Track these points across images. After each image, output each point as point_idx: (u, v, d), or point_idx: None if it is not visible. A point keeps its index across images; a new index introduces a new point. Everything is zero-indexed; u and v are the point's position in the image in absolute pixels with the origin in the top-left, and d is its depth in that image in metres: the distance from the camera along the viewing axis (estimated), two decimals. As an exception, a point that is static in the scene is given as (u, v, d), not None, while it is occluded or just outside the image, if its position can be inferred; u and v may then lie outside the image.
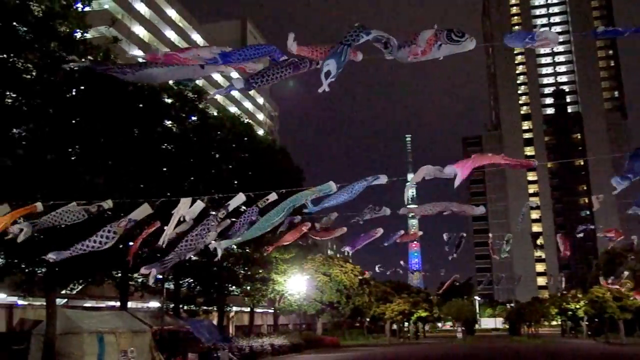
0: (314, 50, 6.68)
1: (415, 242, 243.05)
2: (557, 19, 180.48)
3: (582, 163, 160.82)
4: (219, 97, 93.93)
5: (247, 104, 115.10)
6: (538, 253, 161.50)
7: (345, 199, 9.59)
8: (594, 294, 64.17)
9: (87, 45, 22.95)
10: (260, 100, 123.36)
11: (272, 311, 59.30)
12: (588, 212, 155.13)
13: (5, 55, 20.11)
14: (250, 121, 40.43)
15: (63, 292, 28.76)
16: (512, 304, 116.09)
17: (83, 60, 6.24)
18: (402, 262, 45.91)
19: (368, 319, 75.32)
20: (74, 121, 22.14)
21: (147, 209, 10.47)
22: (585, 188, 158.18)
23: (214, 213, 10.48)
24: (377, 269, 39.15)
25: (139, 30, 76.99)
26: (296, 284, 46.90)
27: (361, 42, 6.45)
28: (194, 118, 32.05)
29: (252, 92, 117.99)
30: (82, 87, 22.49)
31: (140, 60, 6.61)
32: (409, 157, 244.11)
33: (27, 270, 23.44)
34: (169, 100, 29.82)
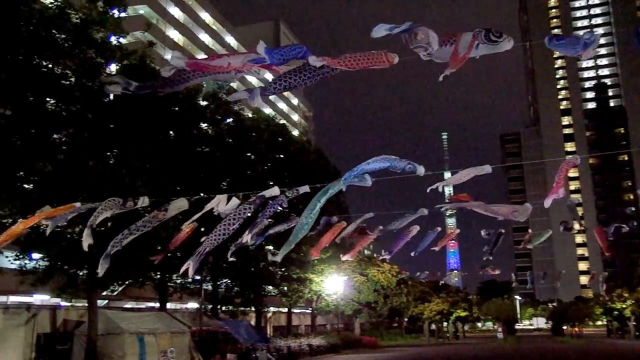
0: (340, 60, 6.64)
1: (453, 242, 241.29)
2: (597, 10, 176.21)
3: (626, 158, 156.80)
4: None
5: (282, 105, 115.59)
6: (580, 251, 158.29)
7: (376, 168, 9.27)
8: (640, 293, 62.54)
9: (123, 50, 23.34)
10: (295, 101, 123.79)
11: (310, 311, 59.34)
12: (633, 209, 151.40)
13: (44, 62, 20.52)
14: (285, 122, 40.47)
15: (104, 293, 29.26)
16: (554, 304, 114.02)
17: (122, 80, 6.21)
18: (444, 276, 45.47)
19: (406, 319, 74.96)
20: (112, 125, 22.49)
21: (183, 203, 10.60)
22: (630, 184, 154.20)
23: (248, 204, 10.45)
24: (404, 274, 38.72)
25: (174, 34, 78.01)
26: (333, 284, 46.80)
27: (408, 37, 6.50)
28: (229, 120, 32.28)
29: (286, 93, 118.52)
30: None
31: (176, 64, 6.60)
32: (445, 155, 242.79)
33: (69, 273, 23.94)
34: (204, 103, 30.11)
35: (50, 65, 20.87)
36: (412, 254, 17.32)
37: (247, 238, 10.62)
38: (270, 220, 11.55)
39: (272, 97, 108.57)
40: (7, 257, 23.81)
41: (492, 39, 6.55)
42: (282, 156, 36.27)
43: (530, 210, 11.86)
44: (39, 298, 30.43)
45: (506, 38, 6.56)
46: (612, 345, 58.26)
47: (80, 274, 24.22)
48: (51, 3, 21.20)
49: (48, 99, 21.24)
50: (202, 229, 17.70)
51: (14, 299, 30.50)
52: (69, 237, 22.15)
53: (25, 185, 21.30)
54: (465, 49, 6.56)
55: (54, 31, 20.51)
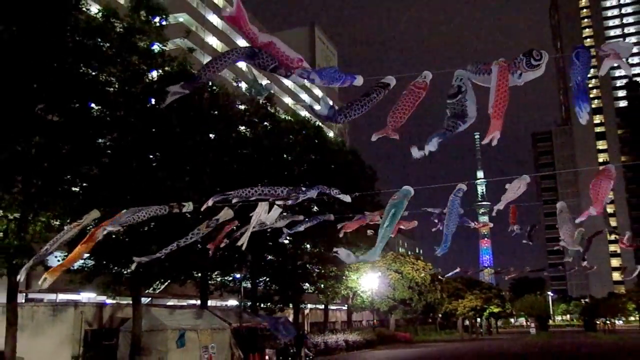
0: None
1: (486, 239, 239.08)
2: (629, 9, 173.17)
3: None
4: (289, 102, 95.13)
5: (317, 108, 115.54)
6: (612, 248, 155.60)
7: (454, 222, 9.44)
8: (676, 288, 61.58)
9: (165, 57, 24.11)
10: (330, 103, 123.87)
11: (346, 308, 59.79)
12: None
13: (90, 70, 21.29)
14: (320, 124, 40.78)
15: (147, 291, 30.08)
16: (587, 300, 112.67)
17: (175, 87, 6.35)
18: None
19: (440, 315, 74.95)
20: (154, 129, 23.23)
21: (229, 213, 11.04)
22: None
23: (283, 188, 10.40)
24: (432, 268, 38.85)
25: (212, 41, 78.80)
26: (368, 281, 47.27)
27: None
28: (265, 123, 32.88)
29: (321, 95, 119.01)
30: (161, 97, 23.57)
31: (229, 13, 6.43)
32: (477, 155, 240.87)
33: (114, 271, 24.80)
34: (242, 107, 30.79)
35: (95, 73, 21.57)
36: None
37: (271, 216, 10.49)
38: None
39: (307, 100, 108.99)
40: (55, 256, 24.80)
41: (533, 64, 6.22)
42: (318, 157, 36.70)
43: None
44: (86, 296, 31.51)
45: (545, 56, 6.28)
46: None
47: (125, 272, 25.06)
48: (96, 13, 22.04)
49: (93, 105, 22.01)
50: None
51: (62, 296, 31.62)
52: (114, 237, 22.92)
53: (73, 189, 22.08)
54: (503, 83, 6.18)
55: (99, 40, 21.28)
